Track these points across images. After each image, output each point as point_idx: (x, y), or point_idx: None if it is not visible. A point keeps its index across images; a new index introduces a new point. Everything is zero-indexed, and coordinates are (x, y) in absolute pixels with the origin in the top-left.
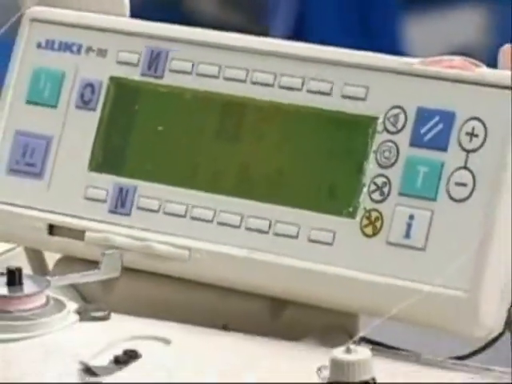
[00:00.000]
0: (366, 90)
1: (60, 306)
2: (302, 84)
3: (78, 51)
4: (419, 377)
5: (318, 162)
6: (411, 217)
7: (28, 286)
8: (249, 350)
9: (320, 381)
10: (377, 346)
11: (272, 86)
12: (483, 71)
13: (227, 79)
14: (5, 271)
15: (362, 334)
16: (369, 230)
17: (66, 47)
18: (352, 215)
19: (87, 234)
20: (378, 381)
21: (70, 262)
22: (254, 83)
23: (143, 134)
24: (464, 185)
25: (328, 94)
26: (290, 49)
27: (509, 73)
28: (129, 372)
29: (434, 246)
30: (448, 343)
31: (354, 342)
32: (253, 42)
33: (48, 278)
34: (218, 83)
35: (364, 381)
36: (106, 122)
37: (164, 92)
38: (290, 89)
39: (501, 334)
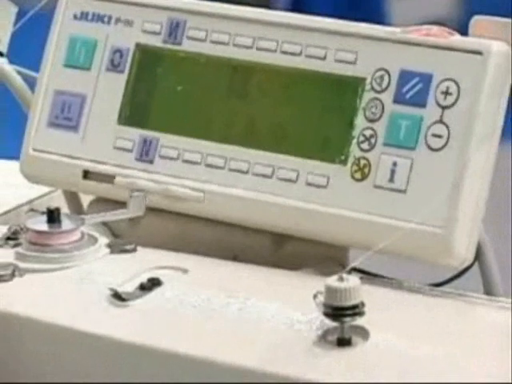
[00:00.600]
0: (355, 55)
1: (93, 240)
2: (301, 50)
3: (108, 22)
4: (402, 300)
5: (314, 116)
6: (394, 164)
7: (65, 224)
8: (254, 278)
9: (317, 305)
10: (365, 274)
11: (275, 51)
12: (456, 39)
13: (236, 45)
14: (46, 211)
15: (352, 264)
16: (358, 175)
17: (98, 18)
18: (344, 162)
19: (116, 178)
20: (366, 304)
21: (101, 203)
22: (259, 49)
23: (164, 92)
24: (440, 136)
25: (323, 59)
26: (290, 19)
27: (478, 40)
28: (152, 297)
29: (414, 189)
30: (425, 272)
31: (346, 272)
32: (258, 13)
33: (83, 216)
34: (229, 49)
35: (354, 304)
36: (132, 83)
37: (182, 56)
38: (290, 54)
39: (471, 265)
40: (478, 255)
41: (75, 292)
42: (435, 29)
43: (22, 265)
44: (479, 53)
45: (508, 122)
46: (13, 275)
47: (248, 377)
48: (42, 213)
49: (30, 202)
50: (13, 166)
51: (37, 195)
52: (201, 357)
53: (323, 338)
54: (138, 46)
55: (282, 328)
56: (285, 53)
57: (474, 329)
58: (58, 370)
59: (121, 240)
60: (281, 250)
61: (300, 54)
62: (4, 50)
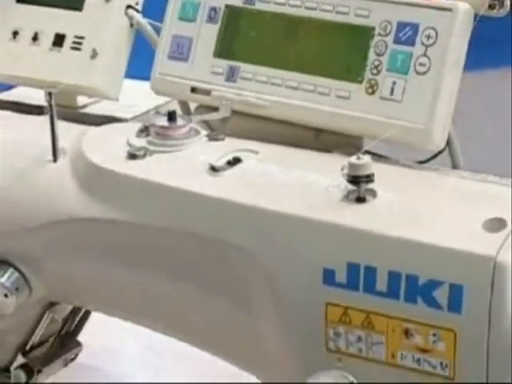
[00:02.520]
0: (368, 11)
1: (197, 132)
2: (333, 8)
3: None
4: (399, 172)
5: (341, 52)
6: (394, 83)
7: (179, 121)
8: (302, 157)
9: (342, 175)
10: (373, 155)
11: (316, 9)
12: (436, 1)
13: (290, 5)
14: (166, 113)
15: (365, 148)
16: (370, 91)
17: None
18: (360, 82)
19: (212, 92)
20: (375, 174)
21: (202, 108)
22: (306, 8)
23: (243, 36)
24: (424, 65)
25: (347, 14)
26: None
27: (449, 1)
28: (236, 169)
29: (407, 100)
30: (412, 155)
31: (361, 153)
32: None
33: (190, 116)
34: (285, 8)
35: (367, 174)
36: (222, 30)
37: (255, 12)
38: (326, 11)
39: (443, 149)
40: (448, 143)
41: (185, 165)
42: None
43: (150, 148)
44: (450, 10)
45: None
46: (145, 155)
47: (302, 223)
48: (164, 114)
49: (157, 107)
50: (146, 84)
51: (161, 103)
52: (274, 209)
53: (347, 197)
54: (226, 5)
55: (320, 189)
56: (323, 10)
57: (446, 190)
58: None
59: (214, 132)
60: (319, 139)
61: (332, 11)
62: (140, 8)
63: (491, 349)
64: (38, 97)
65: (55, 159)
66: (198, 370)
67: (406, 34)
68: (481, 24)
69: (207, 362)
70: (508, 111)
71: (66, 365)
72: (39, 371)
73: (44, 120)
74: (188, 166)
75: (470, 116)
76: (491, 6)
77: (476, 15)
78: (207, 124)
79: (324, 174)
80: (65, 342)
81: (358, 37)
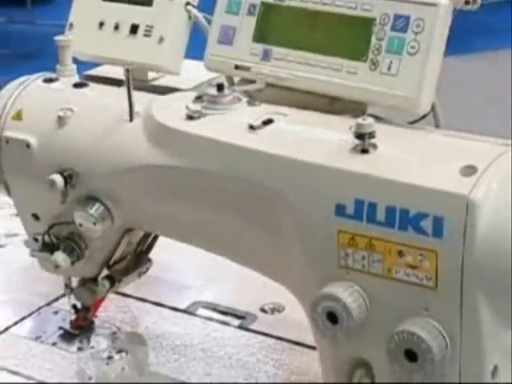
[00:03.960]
0: (371, 6)
1: (239, 100)
2: (344, 3)
3: None
4: (395, 131)
5: (350, 38)
6: (391, 62)
7: (226, 91)
8: (319, 119)
9: (351, 132)
10: (375, 117)
11: (331, 4)
12: None
13: (312, 2)
14: (216, 84)
15: (368, 112)
16: (372, 67)
17: None
18: (365, 61)
19: (251, 69)
20: (377, 132)
21: (243, 81)
22: (323, 4)
23: (275, 26)
24: (414, 48)
25: (355, 8)
26: None
27: None
28: (269, 127)
29: (401, 74)
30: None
31: (366, 116)
32: None
33: (234, 87)
34: (308, 4)
35: (370, 131)
36: (259, 21)
37: (284, 7)
38: (339, 6)
39: (428, 113)
40: (432, 108)
41: (230, 125)
42: None
43: (204, 111)
44: (435, 5)
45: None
46: (199, 117)
47: (320, 169)
48: (214, 85)
49: (208, 80)
50: (200, 63)
51: (211, 77)
52: (298, 158)
53: (354, 149)
54: (262, 2)
55: (334, 143)
56: (336, 5)
57: (431, 144)
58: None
59: (253, 99)
60: (332, 105)
61: (344, 6)
62: (196, 4)
63: (465, 265)
64: (119, 72)
65: (131, 119)
66: (240, 281)
67: (401, 23)
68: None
69: (247, 273)
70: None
71: (139, 276)
72: (119, 281)
73: (123, 90)
74: (232, 125)
75: None
76: (467, 2)
77: (454, 9)
78: (247, 93)
79: (336, 131)
80: (139, 258)
81: (363, 26)
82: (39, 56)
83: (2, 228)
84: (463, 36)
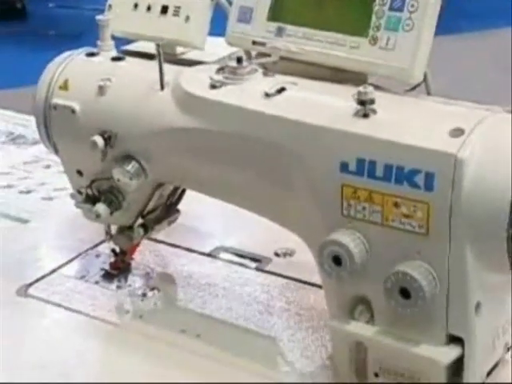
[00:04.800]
0: None
1: (256, 71)
2: None
3: None
4: (393, 98)
5: (353, 16)
6: (388, 37)
7: (244, 63)
8: (326, 87)
9: (354, 99)
10: (374, 86)
11: None
12: None
13: None
14: (236, 58)
15: (369, 82)
16: (372, 42)
17: None
18: (366, 37)
19: (267, 44)
20: (376, 99)
21: (260, 55)
22: None
23: (287, 7)
24: (409, 25)
25: None
26: None
27: None
28: (282, 94)
29: (398, 48)
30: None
31: (366, 85)
32: None
33: (251, 60)
34: None
35: (370, 98)
36: (276, 3)
37: None
38: None
39: (421, 82)
40: (424, 78)
41: (248, 92)
42: None
43: (225, 81)
44: None
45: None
46: (221, 86)
47: (326, 130)
48: (234, 59)
49: (229, 54)
50: (221, 39)
51: (232, 51)
52: (308, 121)
53: (356, 114)
54: None
55: (339, 108)
56: None
57: (423, 109)
58: None
59: (267, 71)
60: (338, 76)
61: None
62: None
63: (452, 214)
64: (151, 47)
65: (162, 88)
66: (257, 229)
67: (398, 4)
68: None
69: (262, 222)
70: None
71: (169, 225)
72: (152, 228)
73: (154, 63)
74: (249, 93)
75: None
76: None
77: None
78: (262, 65)
79: (341, 98)
80: (169, 209)
81: (364, 6)
82: (83, 35)
83: (50, 183)
84: (451, 18)
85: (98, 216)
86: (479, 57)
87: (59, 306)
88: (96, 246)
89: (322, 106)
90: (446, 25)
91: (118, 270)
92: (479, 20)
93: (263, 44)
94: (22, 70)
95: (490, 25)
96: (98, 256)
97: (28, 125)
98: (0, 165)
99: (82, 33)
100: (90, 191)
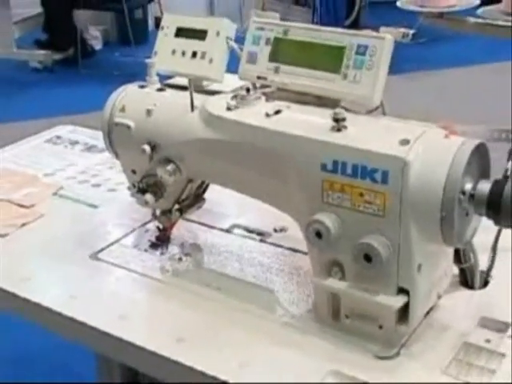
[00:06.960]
0: (343, 39)
1: (259, 98)
2: (326, 38)
3: None
4: (358, 117)
5: (329, 59)
6: (355, 74)
7: (251, 92)
8: (310, 109)
9: (330, 118)
10: (345, 109)
11: (318, 38)
12: (378, 34)
13: (307, 37)
14: (245, 88)
15: (341, 105)
16: (343, 77)
17: None
18: (339, 73)
19: (268, 78)
20: (346, 118)
21: (263, 87)
22: (313, 38)
23: (283, 51)
24: (370, 65)
25: (332, 40)
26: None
27: (382, 34)
28: (278, 115)
29: (362, 82)
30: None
31: (339, 108)
32: None
33: (256, 90)
34: (305, 38)
35: (342, 117)
36: (273, 49)
37: (289, 40)
38: (323, 39)
39: (378, 107)
40: (381, 103)
41: (253, 113)
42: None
43: (238, 105)
44: (383, 38)
45: None
46: (235, 108)
47: (310, 140)
48: (244, 89)
49: (241, 86)
50: (235, 76)
51: (242, 84)
52: (296, 133)
53: (332, 129)
54: (274, 37)
55: (319, 124)
56: (321, 39)
57: (380, 126)
58: None
59: (268, 98)
60: (319, 101)
61: (326, 39)
62: (232, 38)
63: (402, 201)
64: (185, 81)
65: (192, 110)
66: (260, 211)
67: (362, 49)
68: None
69: (264, 207)
70: None
71: (198, 209)
72: (185, 211)
73: (187, 93)
74: (255, 114)
75: None
76: (403, 36)
77: (395, 41)
78: (265, 94)
79: (321, 117)
80: (197, 198)
81: (337, 51)
82: (137, 75)
83: (114, 179)
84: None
85: (146, 203)
86: (418, 88)
87: (120, 266)
88: (145, 224)
89: (308, 122)
90: (396, 66)
91: (161, 241)
92: (420, 63)
93: (265, 78)
94: (94, 99)
95: (426, 67)
96: (146, 231)
97: (98, 137)
98: (79, 166)
99: (136, 73)
100: (141, 185)
